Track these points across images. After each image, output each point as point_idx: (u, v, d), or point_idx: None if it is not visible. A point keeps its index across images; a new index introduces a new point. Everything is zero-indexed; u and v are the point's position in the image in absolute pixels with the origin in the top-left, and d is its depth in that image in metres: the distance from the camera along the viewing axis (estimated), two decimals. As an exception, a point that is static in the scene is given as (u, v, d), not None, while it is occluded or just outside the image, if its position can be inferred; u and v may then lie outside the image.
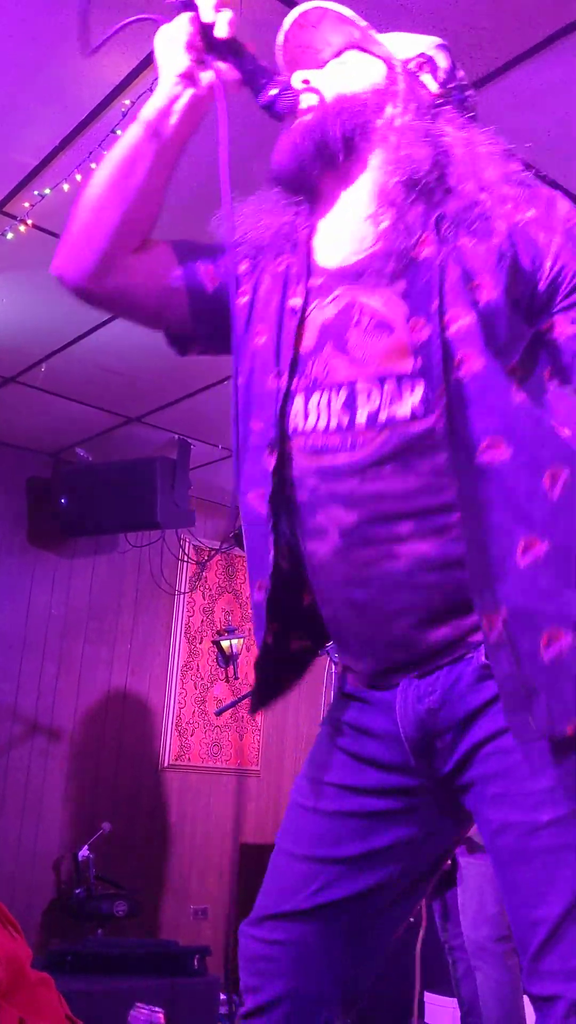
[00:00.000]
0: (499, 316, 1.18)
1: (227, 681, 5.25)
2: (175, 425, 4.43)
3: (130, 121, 2.41)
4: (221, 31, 1.27)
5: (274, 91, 1.28)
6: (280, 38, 1.34)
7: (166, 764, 4.93)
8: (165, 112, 1.32)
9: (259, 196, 1.37)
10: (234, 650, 5.22)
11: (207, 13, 1.27)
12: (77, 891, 4.11)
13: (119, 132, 2.41)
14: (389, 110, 1.28)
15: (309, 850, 1.28)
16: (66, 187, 2.63)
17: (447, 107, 1.30)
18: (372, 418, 1.18)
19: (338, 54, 1.33)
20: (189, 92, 1.31)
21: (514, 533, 1.12)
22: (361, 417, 1.19)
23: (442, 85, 1.33)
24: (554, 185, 2.62)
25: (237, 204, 1.35)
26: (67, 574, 4.84)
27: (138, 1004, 1.61)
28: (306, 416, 1.24)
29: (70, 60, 2.26)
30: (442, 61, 1.34)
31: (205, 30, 1.27)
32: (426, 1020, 3.71)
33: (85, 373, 3.89)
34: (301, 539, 1.27)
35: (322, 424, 1.22)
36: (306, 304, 1.28)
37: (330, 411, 1.22)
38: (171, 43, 1.30)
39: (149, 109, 1.33)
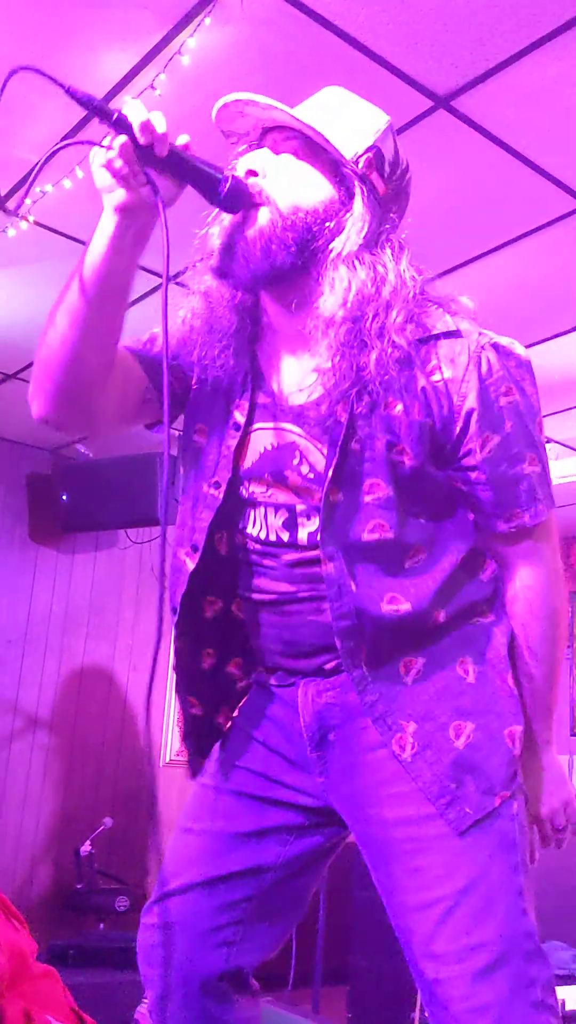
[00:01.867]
0: (419, 479, 1.26)
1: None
2: (176, 421, 4.43)
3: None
4: (160, 151, 1.18)
5: (226, 187, 1.22)
6: (213, 115, 1.30)
7: (168, 760, 4.94)
8: (108, 253, 1.25)
9: (207, 288, 1.36)
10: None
11: (140, 135, 1.16)
12: (78, 886, 4.13)
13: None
14: (342, 237, 1.24)
15: (207, 824, 1.37)
16: (67, 184, 2.63)
17: (390, 229, 1.29)
18: (312, 536, 1.29)
19: (278, 152, 1.28)
20: (128, 223, 1.24)
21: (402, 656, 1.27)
22: (302, 535, 1.30)
23: (387, 180, 1.29)
24: (555, 181, 2.64)
25: (184, 293, 1.38)
26: (68, 570, 4.84)
27: (145, 1000, 1.61)
28: (252, 523, 1.34)
29: (71, 56, 2.26)
30: (388, 150, 1.30)
31: (141, 150, 1.17)
32: (427, 1014, 3.72)
33: (85, 369, 3.89)
34: (241, 584, 1.38)
35: (263, 535, 1.33)
36: (249, 421, 1.33)
37: (269, 526, 1.32)
38: (102, 173, 1.21)
39: (92, 255, 1.26)
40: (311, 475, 1.28)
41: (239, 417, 1.33)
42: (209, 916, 1.32)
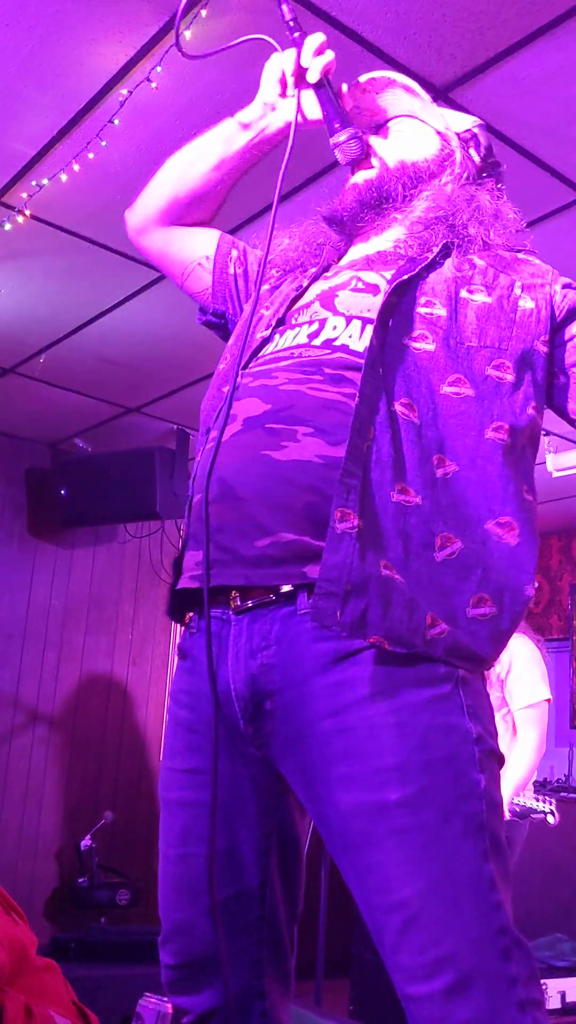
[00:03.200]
0: (478, 327, 1.28)
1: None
2: (174, 415, 4.43)
3: (127, 111, 2.42)
4: (312, 76, 1.40)
5: (343, 137, 1.41)
6: (344, 89, 1.47)
7: (167, 753, 4.95)
8: (242, 127, 1.50)
9: (302, 224, 1.53)
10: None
11: (305, 57, 1.40)
12: (80, 880, 4.13)
13: (116, 122, 2.41)
14: (444, 177, 1.45)
15: (179, 849, 1.26)
16: (64, 177, 2.63)
17: (489, 179, 1.49)
18: (328, 341, 1.29)
19: (397, 119, 1.49)
20: (267, 118, 1.48)
21: (390, 484, 1.18)
22: (319, 340, 1.30)
23: (483, 160, 1.50)
24: (555, 173, 2.63)
25: (281, 226, 1.50)
26: (67, 564, 4.84)
27: (146, 994, 1.61)
28: (275, 345, 1.35)
29: (67, 51, 2.25)
30: (483, 139, 1.52)
31: (301, 70, 1.41)
32: None
33: (84, 364, 3.89)
34: (211, 429, 1.33)
35: (284, 344, 1.34)
36: (312, 283, 1.43)
37: (296, 337, 1.33)
38: (271, 71, 1.45)
39: (233, 120, 1.51)
40: (362, 286, 1.33)
41: (303, 282, 1.44)
42: (228, 943, 1.23)
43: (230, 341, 1.49)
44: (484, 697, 1.20)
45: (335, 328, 1.30)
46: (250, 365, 1.35)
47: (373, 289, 1.33)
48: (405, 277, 1.30)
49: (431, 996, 1.03)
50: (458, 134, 1.50)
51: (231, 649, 1.21)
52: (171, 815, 1.28)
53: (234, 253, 1.58)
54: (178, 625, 1.40)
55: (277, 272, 1.52)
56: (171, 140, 2.52)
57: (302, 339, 1.32)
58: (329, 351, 1.28)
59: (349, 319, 1.30)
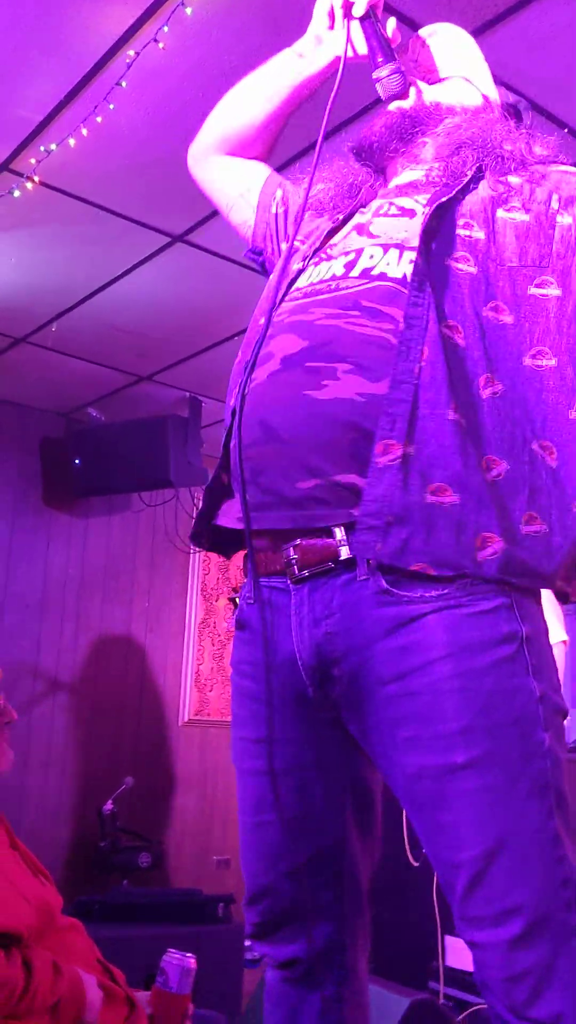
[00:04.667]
0: (517, 247, 1.26)
1: (244, 637, 5.29)
2: (186, 383, 4.43)
3: (134, 73, 2.39)
4: (358, 10, 1.43)
5: (385, 72, 1.43)
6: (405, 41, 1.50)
7: (186, 719, 4.99)
8: (297, 56, 1.53)
9: (335, 166, 1.52)
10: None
11: None
12: (102, 844, 4.19)
13: (123, 84, 2.38)
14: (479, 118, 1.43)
15: (255, 817, 1.29)
16: (72, 142, 2.60)
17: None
18: (366, 271, 1.27)
19: (448, 79, 1.50)
20: (317, 50, 1.50)
21: (446, 403, 1.17)
22: (356, 271, 1.28)
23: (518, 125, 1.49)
24: (566, 127, 2.59)
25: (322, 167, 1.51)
26: (82, 534, 4.86)
27: (170, 950, 1.64)
28: (309, 277, 1.34)
29: (72, 13, 2.22)
30: (526, 119, 1.55)
31: (348, 2, 1.44)
32: (447, 963, 3.79)
33: (95, 332, 3.88)
34: (246, 371, 1.31)
35: (318, 277, 1.32)
36: (350, 216, 1.42)
37: (332, 268, 1.32)
38: (321, 4, 1.48)
39: (289, 50, 1.54)
40: (397, 211, 1.33)
41: (338, 217, 1.44)
42: (308, 896, 1.28)
43: (269, 279, 1.49)
44: (546, 647, 1.19)
45: (372, 257, 1.29)
46: (286, 299, 1.35)
47: (409, 213, 1.32)
48: (443, 199, 1.28)
49: (498, 944, 1.07)
50: (503, 103, 1.52)
51: (294, 619, 1.21)
52: (245, 784, 1.30)
53: (279, 193, 1.58)
54: (199, 557, 1.41)
55: (311, 214, 1.51)
56: (179, 101, 2.50)
57: (338, 270, 1.31)
58: (367, 281, 1.26)
59: (386, 247, 1.29)
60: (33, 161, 2.72)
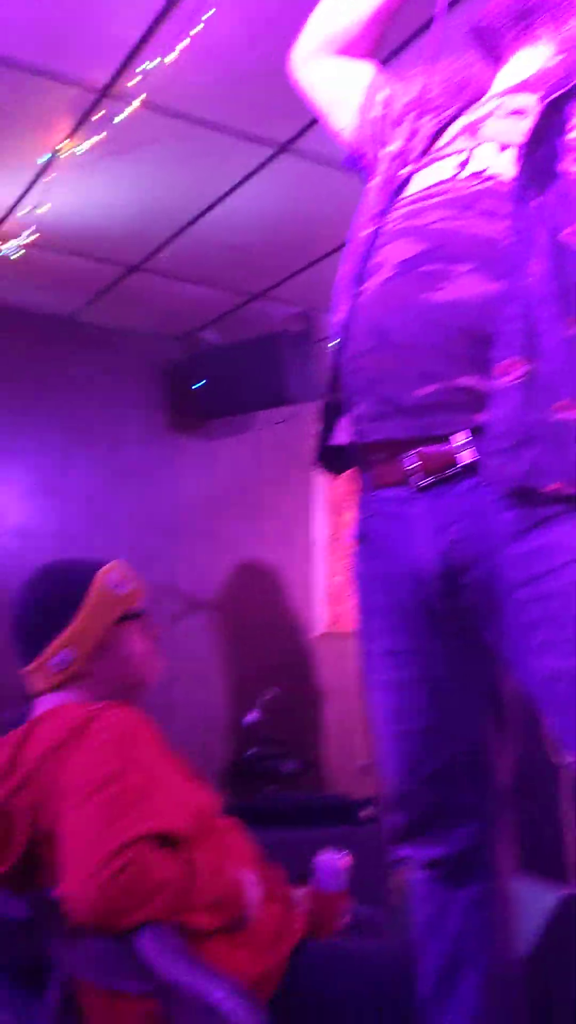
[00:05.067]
0: None
1: (373, 549, 5.31)
2: (300, 298, 4.38)
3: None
4: None
5: None
6: None
7: (321, 632, 5.08)
8: None
9: (442, 63, 1.46)
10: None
11: None
12: (248, 753, 4.35)
13: (218, -9, 2.32)
14: None
15: (393, 727, 1.31)
16: (170, 59, 2.56)
17: None
18: (478, 173, 1.23)
19: None
20: None
21: (563, 316, 1.10)
22: (467, 172, 1.24)
23: None
24: None
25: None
26: (209, 456, 4.94)
27: (323, 850, 1.70)
28: (418, 182, 1.29)
29: None
30: None
31: None
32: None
33: (207, 253, 3.86)
34: (356, 284, 1.27)
35: (430, 180, 1.27)
36: (458, 115, 1.36)
37: (442, 171, 1.27)
38: None
39: None
40: (509, 111, 1.27)
41: (447, 114, 1.39)
42: (451, 797, 1.30)
43: (372, 183, 1.43)
44: None
45: (483, 158, 1.24)
46: (394, 206, 1.30)
47: (521, 113, 1.26)
48: (555, 95, 1.21)
49: None
50: None
51: (417, 529, 1.20)
52: (380, 696, 1.32)
53: (382, 94, 1.50)
54: (332, 475, 1.41)
55: (416, 115, 1.45)
56: (277, 6, 2.41)
57: (448, 172, 1.26)
58: (478, 182, 1.21)
59: (501, 146, 1.24)
60: (134, 82, 2.69)
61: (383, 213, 1.30)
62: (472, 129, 1.31)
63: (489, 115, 1.31)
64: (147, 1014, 1.40)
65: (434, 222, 1.22)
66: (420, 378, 1.16)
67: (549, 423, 1.08)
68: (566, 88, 1.22)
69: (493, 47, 1.41)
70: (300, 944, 1.52)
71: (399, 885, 3.25)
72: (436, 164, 1.31)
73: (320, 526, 5.19)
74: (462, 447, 1.14)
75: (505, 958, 1.34)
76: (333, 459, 1.38)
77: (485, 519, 1.14)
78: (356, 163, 1.56)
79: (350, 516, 5.47)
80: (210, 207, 3.49)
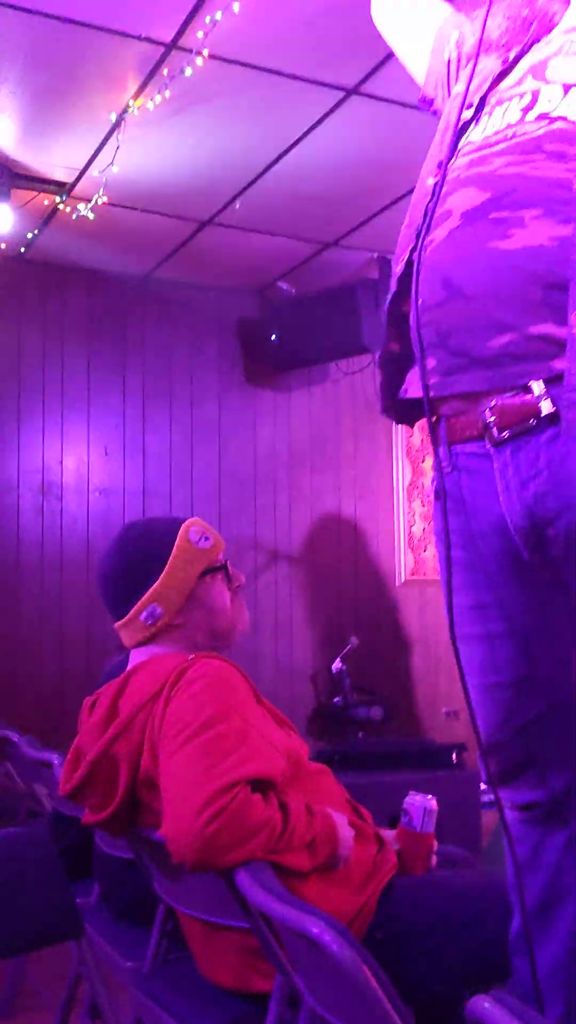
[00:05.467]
0: None
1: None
2: (372, 244, 4.33)
3: None
4: None
5: None
6: None
7: (403, 580, 5.10)
8: None
9: None
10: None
11: None
12: (335, 700, 4.42)
13: None
14: None
15: (483, 679, 1.31)
16: (236, 6, 2.53)
17: None
18: (545, 115, 1.18)
19: None
20: None
21: None
22: (533, 114, 1.20)
23: None
24: None
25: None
26: (286, 408, 4.96)
27: (412, 792, 1.73)
28: (484, 128, 1.26)
29: None
30: None
31: None
32: None
33: (278, 203, 3.84)
34: (422, 235, 1.24)
35: (493, 126, 1.24)
36: (522, 54, 1.32)
37: (507, 114, 1.23)
38: None
39: None
40: (575, 50, 1.22)
41: (511, 55, 1.34)
42: (542, 746, 1.31)
43: (439, 126, 1.40)
44: None
45: (550, 100, 1.20)
46: (460, 153, 1.27)
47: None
48: None
49: None
50: None
51: (500, 483, 1.18)
52: (470, 649, 1.32)
53: (454, 35, 1.46)
54: (408, 428, 1.40)
55: (478, 54, 1.39)
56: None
57: (514, 116, 1.22)
58: (547, 123, 1.18)
59: (567, 87, 1.19)
60: (200, 34, 2.67)
61: (448, 159, 1.28)
62: (538, 70, 1.26)
63: (556, 53, 1.26)
64: (247, 947, 1.46)
65: (500, 167, 1.19)
66: (494, 328, 1.14)
67: None
68: None
69: None
70: (392, 882, 1.56)
71: (488, 827, 3.28)
72: (501, 106, 1.26)
73: (399, 474, 5.18)
74: (540, 397, 1.12)
75: None
76: (405, 412, 1.38)
77: (568, 468, 1.11)
78: (429, 104, 1.54)
79: (429, 463, 5.44)
80: (279, 157, 3.46)
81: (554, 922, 1.33)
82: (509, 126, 1.22)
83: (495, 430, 1.17)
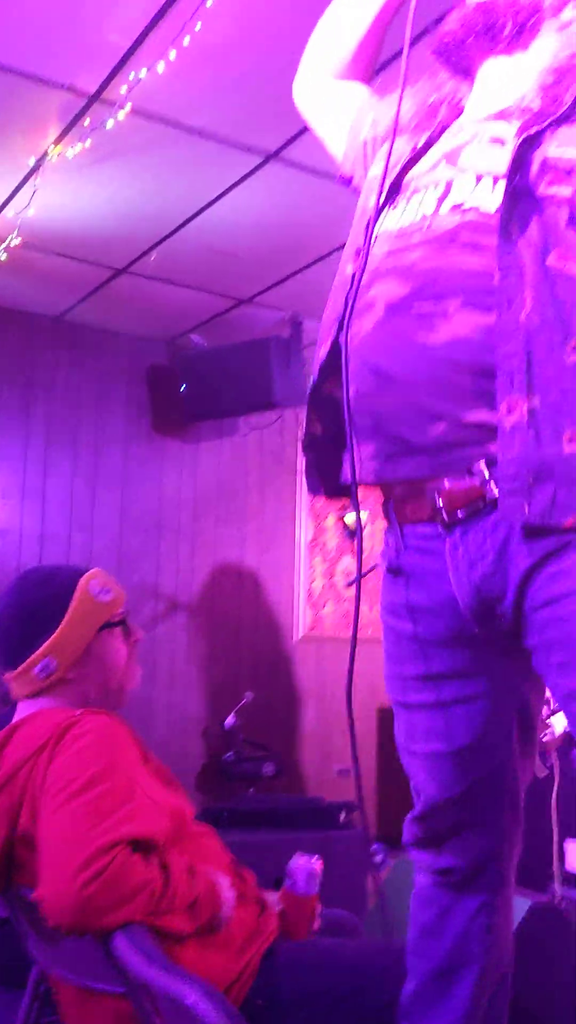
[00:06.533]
0: None
1: (353, 555, 5.34)
2: (286, 303, 4.40)
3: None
4: None
5: None
6: None
7: (301, 635, 5.11)
8: None
9: (416, 84, 1.44)
10: (359, 524, 5.27)
11: None
12: (227, 755, 4.37)
13: (209, 3, 2.34)
14: (567, 13, 1.31)
15: (424, 746, 1.34)
16: (161, 66, 2.58)
17: None
18: (458, 206, 1.22)
19: None
20: None
21: (569, 332, 1.12)
22: (447, 204, 1.24)
23: None
24: None
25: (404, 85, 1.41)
26: (193, 458, 4.96)
27: (297, 853, 1.73)
28: (399, 215, 1.29)
29: None
30: None
31: None
32: (567, 867, 3.84)
33: (194, 257, 3.88)
34: (347, 326, 1.27)
35: (409, 216, 1.27)
36: (433, 140, 1.36)
37: (423, 204, 1.27)
38: None
39: None
40: (488, 140, 1.25)
41: (425, 138, 1.38)
42: (476, 812, 1.33)
43: (356, 214, 1.44)
44: None
45: (463, 189, 1.24)
46: (378, 240, 1.30)
47: (499, 142, 1.26)
48: (534, 130, 1.21)
49: None
50: None
51: (450, 563, 1.22)
52: (412, 716, 1.35)
53: (370, 116, 1.51)
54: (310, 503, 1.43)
55: (391, 138, 1.41)
56: (266, 15, 2.44)
57: (429, 206, 1.26)
58: (459, 216, 1.21)
59: (478, 177, 1.24)
60: (124, 89, 2.71)
61: (366, 246, 1.30)
62: (452, 157, 1.30)
63: (467, 143, 1.30)
64: (121, 1014, 1.42)
65: (419, 261, 1.21)
66: (430, 417, 1.18)
67: (559, 457, 1.09)
68: (542, 125, 1.21)
69: (460, 62, 1.39)
70: (273, 946, 1.54)
71: (374, 888, 3.27)
72: (417, 195, 1.29)
73: (302, 531, 5.22)
74: (486, 482, 1.16)
75: (500, 964, 1.38)
76: (337, 490, 1.41)
77: (510, 550, 1.17)
78: (348, 182, 1.58)
79: (332, 521, 5.49)
80: (197, 213, 3.51)
81: (454, 987, 1.34)
82: (424, 217, 1.26)
83: (444, 513, 1.22)
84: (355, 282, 1.27)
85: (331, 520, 5.31)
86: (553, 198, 1.17)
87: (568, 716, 1.18)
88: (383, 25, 1.52)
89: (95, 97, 2.79)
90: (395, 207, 1.32)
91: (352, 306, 1.27)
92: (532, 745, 1.39)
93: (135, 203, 3.44)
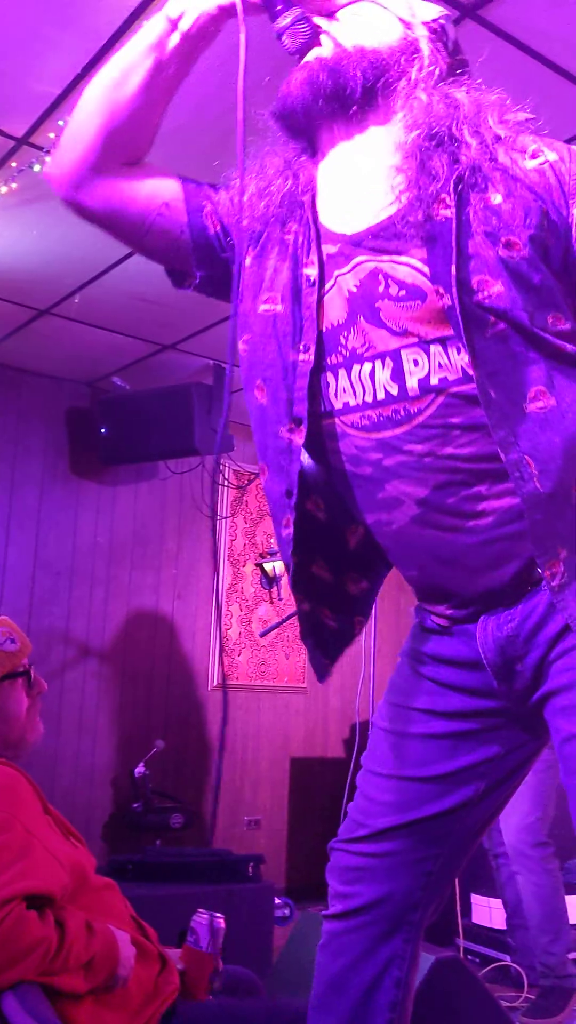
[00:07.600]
0: (534, 272, 1.16)
1: (271, 603, 5.34)
2: (209, 351, 4.44)
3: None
4: None
5: (288, 19, 1.23)
6: None
7: (215, 684, 5.07)
8: (172, 26, 1.28)
9: (262, 151, 1.34)
10: (277, 572, 5.29)
11: None
12: (135, 805, 4.29)
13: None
14: (413, 72, 1.24)
15: (398, 771, 1.35)
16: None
17: (462, 74, 1.28)
18: (424, 384, 1.18)
19: (352, 4, 1.27)
20: (199, 8, 1.27)
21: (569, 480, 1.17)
22: (412, 384, 1.18)
23: (450, 55, 1.30)
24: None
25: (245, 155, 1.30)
26: (110, 502, 4.92)
27: (200, 910, 1.70)
28: (353, 392, 1.23)
29: (87, -17, 2.22)
30: (451, 32, 1.32)
31: None
32: (474, 919, 3.85)
33: (118, 302, 3.89)
34: (366, 509, 1.28)
35: (370, 397, 1.21)
36: (323, 274, 1.24)
37: (374, 383, 1.20)
38: None
39: (160, 14, 1.28)
40: (398, 291, 1.16)
41: (311, 272, 1.24)
42: (412, 850, 1.34)
43: (266, 306, 1.30)
44: None
45: (417, 364, 1.18)
46: (336, 417, 1.25)
47: (417, 294, 1.17)
48: (453, 271, 1.14)
49: None
50: (425, 23, 1.29)
51: (479, 628, 1.27)
52: (407, 744, 1.36)
53: (207, 206, 1.36)
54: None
55: (254, 227, 1.33)
56: (194, 72, 2.48)
57: (391, 387, 1.19)
58: (433, 396, 1.18)
59: (423, 346, 1.17)
60: (52, 135, 2.73)
61: (319, 420, 1.26)
62: (372, 318, 1.20)
63: (379, 297, 1.19)
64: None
65: (425, 454, 1.19)
66: (474, 589, 1.25)
67: None
68: (452, 261, 1.13)
69: (303, 132, 1.29)
70: (172, 1007, 1.51)
71: (286, 943, 3.23)
72: (357, 367, 1.22)
73: (219, 578, 5.20)
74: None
75: (406, 1018, 1.36)
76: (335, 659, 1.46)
77: (534, 619, 1.23)
78: (184, 279, 1.45)
79: (250, 568, 5.46)
80: (122, 260, 3.53)
81: None
82: (392, 399, 1.20)
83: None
84: (295, 455, 1.27)
85: (249, 567, 5.31)
86: (511, 351, 1.16)
87: (562, 760, 1.22)
88: (180, 76, 1.37)
89: (23, 140, 2.80)
90: (339, 370, 1.24)
91: (370, 496, 1.27)
92: (501, 804, 1.41)
93: (60, 245, 3.44)
